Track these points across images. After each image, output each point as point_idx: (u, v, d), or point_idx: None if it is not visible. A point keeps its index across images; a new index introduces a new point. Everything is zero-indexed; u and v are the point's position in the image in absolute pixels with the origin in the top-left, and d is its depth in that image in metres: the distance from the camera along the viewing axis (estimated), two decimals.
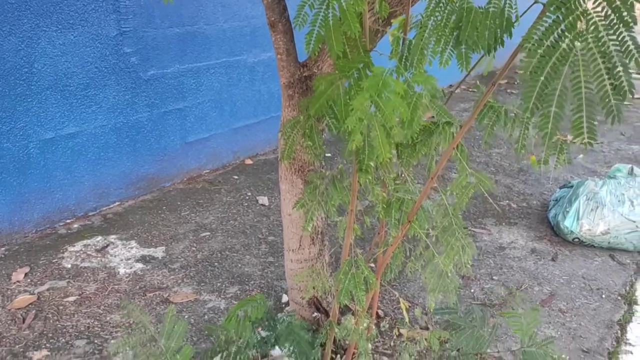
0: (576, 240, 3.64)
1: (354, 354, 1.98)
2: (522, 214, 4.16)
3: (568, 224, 3.61)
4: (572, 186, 3.95)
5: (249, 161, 5.06)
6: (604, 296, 3.14)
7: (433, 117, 1.59)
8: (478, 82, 1.61)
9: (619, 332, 2.85)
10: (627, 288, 3.22)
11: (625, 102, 0.90)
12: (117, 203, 4.10)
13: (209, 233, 3.75)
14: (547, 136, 0.87)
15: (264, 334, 2.03)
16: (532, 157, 1.48)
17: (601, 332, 2.83)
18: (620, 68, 0.89)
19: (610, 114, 0.84)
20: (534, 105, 0.89)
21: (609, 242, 3.55)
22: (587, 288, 3.21)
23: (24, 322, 2.77)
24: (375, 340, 2.70)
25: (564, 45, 0.92)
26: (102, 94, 3.77)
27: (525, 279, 3.30)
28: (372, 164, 1.43)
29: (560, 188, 4.14)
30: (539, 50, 0.93)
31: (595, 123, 0.88)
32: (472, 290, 3.18)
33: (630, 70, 0.90)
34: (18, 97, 3.33)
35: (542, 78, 0.91)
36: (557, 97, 0.87)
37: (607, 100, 0.86)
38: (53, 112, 3.53)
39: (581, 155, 5.34)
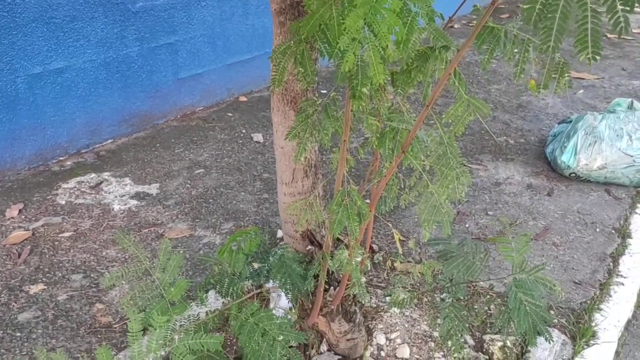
0: (573, 175, 3.62)
1: (347, 285, 1.98)
2: (520, 150, 4.12)
3: (565, 158, 3.58)
4: (570, 121, 3.90)
5: (243, 98, 4.97)
6: (598, 230, 3.15)
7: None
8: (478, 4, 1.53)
9: (611, 264, 2.87)
10: (622, 222, 3.23)
11: (628, 37, 0.85)
12: (109, 140, 4.04)
13: (203, 170, 3.72)
14: (549, 50, 0.82)
15: (257, 266, 2.04)
16: (531, 82, 1.43)
17: (594, 265, 2.86)
18: None
19: (617, 25, 0.78)
20: (537, 16, 0.83)
21: (605, 177, 3.54)
22: (582, 222, 3.22)
23: (19, 257, 2.78)
24: (369, 273, 2.72)
25: None
26: (89, 27, 3.65)
27: (520, 214, 3.30)
28: (365, 90, 1.38)
29: (559, 123, 4.09)
30: None
31: (600, 35, 0.83)
32: (467, 225, 3.19)
33: None
34: (2, 30, 3.21)
35: None
36: (561, 7, 0.81)
37: (614, 10, 0.80)
38: (40, 45, 3.42)
39: (581, 91, 5.25)
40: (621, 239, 3.08)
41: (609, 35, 6.85)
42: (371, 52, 1.13)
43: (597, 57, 0.81)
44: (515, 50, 1.36)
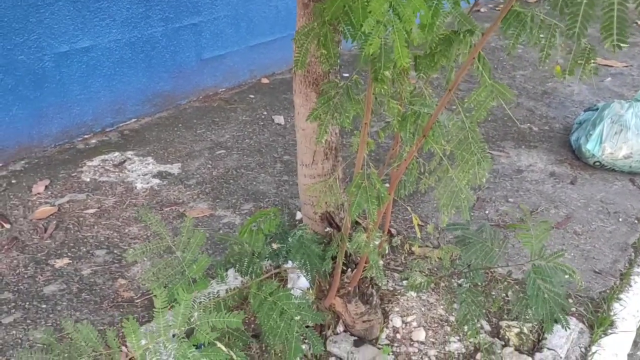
0: (597, 164, 3.57)
1: (364, 268, 2.00)
2: (544, 137, 4.07)
3: (590, 147, 3.53)
4: (597, 109, 3.83)
5: (265, 80, 4.98)
6: (620, 219, 3.11)
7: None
8: None
9: (633, 254, 2.84)
10: None
11: None
12: (133, 119, 4.09)
13: (224, 151, 3.75)
14: (575, 36, 0.81)
15: (276, 247, 2.06)
16: (556, 67, 1.41)
17: (615, 255, 2.83)
18: None
19: None
20: (563, 2, 0.82)
21: (630, 167, 3.48)
22: (605, 211, 3.18)
23: (45, 232, 2.85)
24: (387, 256, 2.73)
25: None
26: (115, 7, 3.68)
27: (541, 202, 3.27)
28: (387, 73, 1.38)
29: (585, 111, 4.02)
30: None
31: (626, 23, 0.82)
32: (487, 212, 3.17)
33: None
34: (30, 8, 3.26)
35: None
36: None
37: None
38: (66, 24, 3.46)
39: (609, 78, 5.15)
40: None
41: (639, 22, 6.68)
42: (395, 35, 1.12)
43: (622, 45, 0.80)
44: (542, 36, 1.34)
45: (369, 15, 1.13)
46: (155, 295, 1.28)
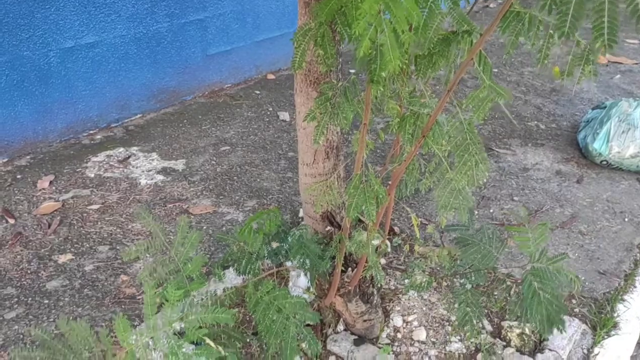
0: (604, 162, 3.53)
1: (364, 267, 1.99)
2: (551, 135, 4.04)
3: (597, 145, 3.50)
4: (605, 107, 3.79)
5: (271, 76, 4.97)
6: (626, 219, 3.08)
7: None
8: None
9: (638, 255, 2.81)
10: None
11: None
12: (138, 115, 4.10)
13: (229, 147, 3.75)
14: (565, 36, 0.80)
15: (276, 246, 2.06)
16: (555, 69, 1.39)
17: (620, 255, 2.80)
18: None
19: (635, 13, 0.75)
20: (552, 1, 0.81)
21: (637, 166, 3.44)
22: (610, 211, 3.15)
23: (49, 227, 2.86)
24: (389, 255, 2.73)
25: None
26: (120, 2, 3.68)
27: (547, 201, 3.25)
28: (384, 74, 1.36)
29: (593, 109, 3.98)
30: None
31: (617, 23, 0.80)
32: (491, 211, 3.15)
33: None
34: (36, 3, 3.27)
35: None
36: None
37: None
38: (72, 20, 3.47)
39: (618, 76, 5.09)
40: None
41: None
42: (387, 37, 1.11)
43: (613, 45, 0.79)
44: (541, 34, 1.32)
45: (359, 18, 1.12)
46: (144, 292, 1.28)
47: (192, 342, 1.58)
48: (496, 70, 5.08)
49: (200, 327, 1.32)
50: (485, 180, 1.50)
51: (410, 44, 1.18)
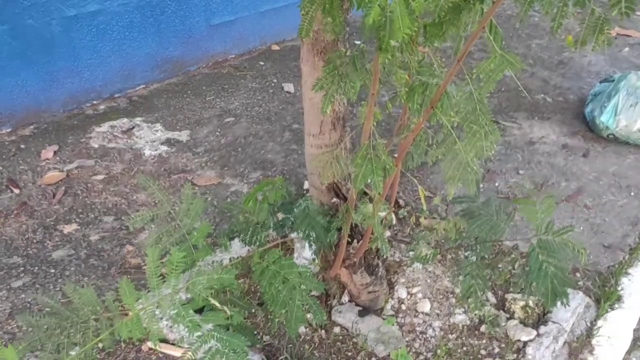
0: (611, 136, 3.50)
1: (370, 239, 1.99)
2: (557, 108, 3.99)
3: (604, 119, 3.46)
4: (613, 80, 3.74)
5: (275, 47, 4.91)
6: (632, 194, 3.07)
7: None
8: None
9: None
10: None
11: None
12: (142, 86, 4.07)
13: (233, 119, 3.73)
14: (579, 4, 0.78)
15: (281, 217, 2.06)
16: (568, 37, 1.36)
17: (625, 229, 2.80)
18: None
19: None
20: None
21: None
22: (617, 185, 3.14)
23: (54, 197, 2.87)
24: (394, 227, 2.73)
25: None
26: None
27: (553, 174, 3.23)
28: (393, 42, 1.33)
29: (601, 82, 3.93)
30: None
31: None
32: (497, 184, 3.14)
33: None
34: None
35: None
36: None
37: None
38: None
39: (627, 49, 5.01)
40: None
41: None
42: (397, 3, 1.08)
43: (630, 13, 0.76)
44: (555, 1, 1.29)
45: None
46: (146, 254, 1.29)
47: (197, 312, 1.58)
48: (503, 43, 5.01)
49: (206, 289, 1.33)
50: (493, 152, 1.48)
51: (420, 11, 1.15)
